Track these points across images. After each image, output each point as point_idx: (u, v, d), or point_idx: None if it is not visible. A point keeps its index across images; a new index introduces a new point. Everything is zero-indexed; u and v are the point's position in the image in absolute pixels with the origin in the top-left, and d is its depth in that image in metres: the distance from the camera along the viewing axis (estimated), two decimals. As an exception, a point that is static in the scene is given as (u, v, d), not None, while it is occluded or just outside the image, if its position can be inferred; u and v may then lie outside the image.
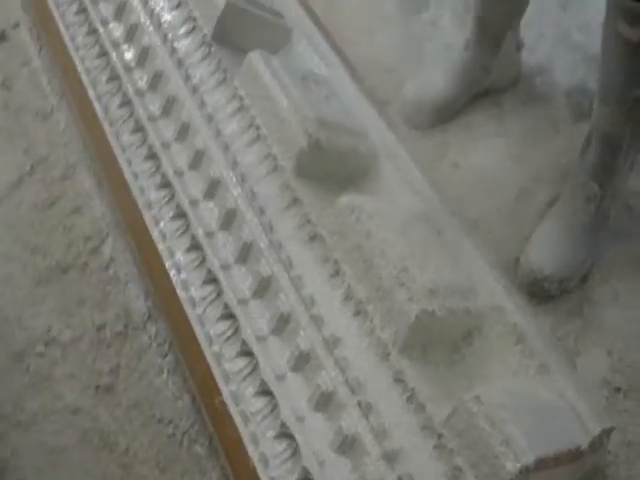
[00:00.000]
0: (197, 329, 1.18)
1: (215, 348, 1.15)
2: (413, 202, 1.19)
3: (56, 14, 1.54)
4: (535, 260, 1.43)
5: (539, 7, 1.80)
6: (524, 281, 1.44)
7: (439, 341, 1.05)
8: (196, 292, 1.20)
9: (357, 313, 1.07)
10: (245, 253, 1.19)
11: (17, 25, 1.70)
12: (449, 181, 1.53)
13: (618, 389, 1.37)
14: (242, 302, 1.16)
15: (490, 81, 1.69)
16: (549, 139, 1.69)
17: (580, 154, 1.48)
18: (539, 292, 1.43)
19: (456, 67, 1.67)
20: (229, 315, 1.16)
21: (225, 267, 1.19)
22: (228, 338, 1.15)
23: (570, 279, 1.44)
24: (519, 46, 1.71)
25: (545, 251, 1.44)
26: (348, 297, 1.08)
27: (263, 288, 1.16)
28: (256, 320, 1.14)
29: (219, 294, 1.18)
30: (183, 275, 1.22)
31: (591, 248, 1.46)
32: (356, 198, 1.11)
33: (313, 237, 1.14)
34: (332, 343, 1.06)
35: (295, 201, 1.17)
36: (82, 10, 1.51)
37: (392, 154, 1.28)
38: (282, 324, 1.12)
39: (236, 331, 1.15)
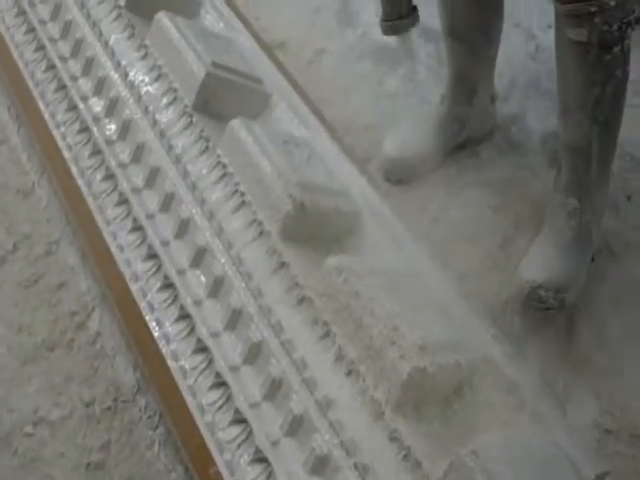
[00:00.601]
0: (188, 399, 1.20)
1: (208, 418, 1.17)
2: (399, 259, 1.24)
3: (35, 92, 1.60)
4: (527, 273, 1.49)
5: (509, 57, 1.90)
6: (520, 297, 1.49)
7: (431, 397, 1.08)
8: (186, 362, 1.23)
9: (349, 373, 1.10)
10: (234, 319, 1.22)
11: (-6, 105, 1.76)
12: (432, 235, 1.59)
13: (609, 431, 1.40)
14: (233, 369, 1.19)
15: (467, 133, 1.78)
16: (528, 185, 1.76)
17: (555, 176, 1.56)
18: (538, 304, 1.48)
19: (433, 122, 1.75)
20: (221, 383, 1.19)
21: (215, 335, 1.23)
22: (220, 407, 1.18)
23: (565, 288, 1.49)
24: (493, 98, 1.80)
25: (536, 265, 1.50)
26: (339, 358, 1.11)
27: (254, 354, 1.19)
28: (248, 386, 1.17)
29: (210, 363, 1.21)
30: (173, 345, 1.25)
31: (580, 262, 1.52)
32: (343, 258, 1.16)
33: (302, 300, 1.18)
34: (325, 405, 1.09)
35: (282, 265, 1.21)
36: (61, 87, 1.57)
37: (375, 212, 1.33)
38: (274, 389, 1.15)
39: (228, 399, 1.18)
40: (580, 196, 1.51)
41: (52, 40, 1.64)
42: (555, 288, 1.47)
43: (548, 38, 1.88)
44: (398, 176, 1.75)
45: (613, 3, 1.29)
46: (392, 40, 1.95)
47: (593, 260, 1.59)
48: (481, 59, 1.70)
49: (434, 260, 1.27)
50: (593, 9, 1.29)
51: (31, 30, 1.67)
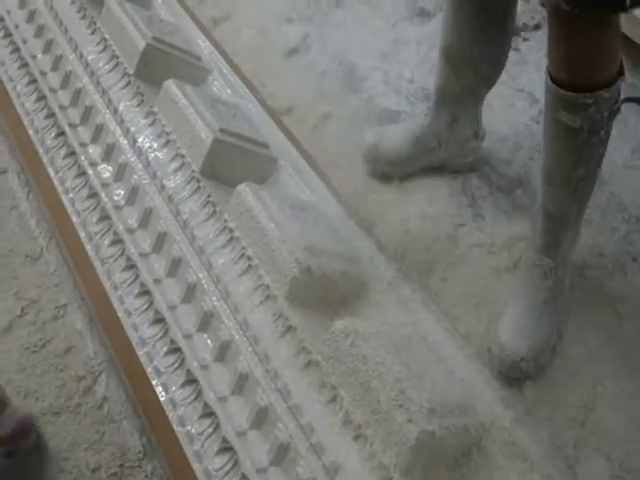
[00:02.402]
0: (195, 465, 1.21)
1: (214, 484, 1.18)
2: (406, 321, 1.25)
3: (45, 159, 1.64)
4: (507, 344, 1.51)
5: (513, 121, 1.95)
6: (501, 368, 1.51)
7: (440, 460, 1.08)
8: (193, 427, 1.23)
9: (357, 437, 1.11)
10: (241, 384, 1.23)
11: (5, 171, 1.79)
12: (440, 295, 1.61)
13: (620, 495, 1.41)
14: (240, 434, 1.19)
15: (444, 156, 1.86)
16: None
17: (532, 235, 1.60)
18: (517, 374, 1.50)
19: (414, 130, 1.85)
20: (227, 448, 1.19)
21: (222, 399, 1.23)
22: (227, 472, 1.18)
23: (543, 353, 1.52)
24: (478, 135, 1.87)
25: (515, 333, 1.52)
26: (347, 422, 1.12)
27: (261, 418, 1.19)
28: (255, 452, 1.17)
29: (216, 427, 1.22)
30: (179, 411, 1.26)
31: (555, 318, 1.56)
32: (350, 322, 1.17)
33: (308, 363, 1.19)
34: (333, 470, 1.09)
35: (289, 329, 1.22)
36: (71, 154, 1.61)
37: (382, 275, 1.35)
38: (282, 454, 1.15)
39: (235, 464, 1.18)
40: (555, 256, 1.56)
41: (62, 107, 1.68)
42: (534, 357, 1.50)
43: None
44: (374, 168, 1.87)
45: (607, 95, 1.33)
46: (396, 104, 2.01)
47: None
48: (464, 85, 1.75)
49: (441, 321, 1.28)
50: (589, 101, 1.33)
51: (41, 98, 1.71)
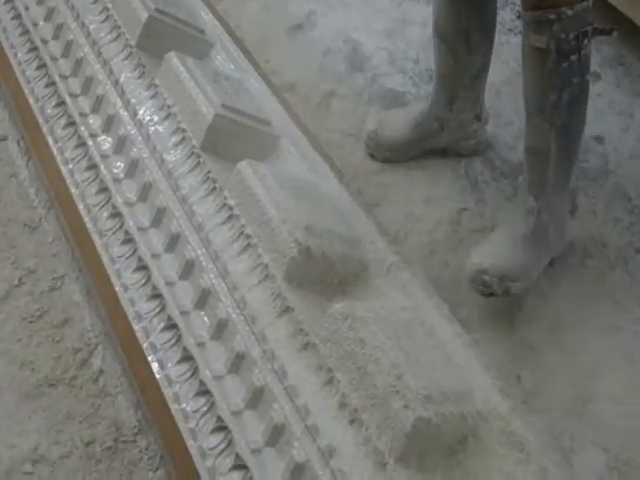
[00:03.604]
0: (189, 443, 1.18)
1: (208, 462, 1.15)
2: (405, 306, 1.22)
3: (45, 128, 1.59)
4: (476, 258, 1.57)
5: (519, 106, 1.89)
6: (467, 277, 1.58)
7: (435, 447, 1.05)
8: (188, 405, 1.21)
9: (352, 421, 1.08)
10: (238, 363, 1.20)
11: (5, 138, 1.75)
12: (440, 279, 1.58)
13: (615, 486, 1.39)
14: (235, 414, 1.17)
15: (446, 138, 1.85)
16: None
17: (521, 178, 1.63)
18: (482, 287, 1.56)
19: (415, 114, 1.84)
20: (222, 427, 1.17)
21: (217, 378, 1.21)
22: (221, 451, 1.15)
23: (512, 279, 1.55)
24: (480, 117, 1.85)
25: (485, 252, 1.58)
26: (343, 405, 1.09)
27: (256, 398, 1.17)
28: (250, 432, 1.15)
29: (211, 406, 1.19)
30: (175, 388, 1.23)
31: (532, 258, 1.58)
32: (348, 305, 1.13)
33: (306, 345, 1.16)
34: (328, 453, 1.07)
35: (287, 309, 1.19)
36: (71, 124, 1.56)
37: (383, 258, 1.31)
38: (276, 435, 1.13)
39: (229, 444, 1.15)
40: (537, 196, 1.57)
41: (62, 77, 1.64)
42: (500, 275, 1.54)
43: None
44: (374, 152, 1.86)
45: (570, 12, 1.38)
46: (400, 85, 1.96)
47: (551, 265, 1.63)
48: (462, 65, 1.74)
49: (441, 307, 1.25)
50: (552, 17, 1.38)
51: (42, 66, 1.67)
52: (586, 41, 1.42)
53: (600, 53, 2.15)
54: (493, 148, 1.90)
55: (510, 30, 2.21)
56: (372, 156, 1.87)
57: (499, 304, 1.62)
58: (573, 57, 1.42)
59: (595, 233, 1.73)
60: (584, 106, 1.51)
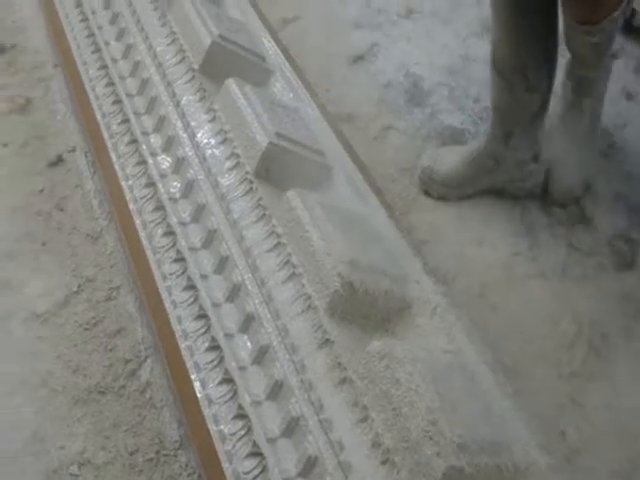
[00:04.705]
0: (225, 465, 1.12)
1: (242, 486, 1.09)
2: (447, 349, 1.13)
3: (109, 143, 1.55)
4: (564, 180, 1.68)
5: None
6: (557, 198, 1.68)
7: (467, 498, 0.97)
8: (226, 427, 1.15)
9: (384, 462, 1.01)
10: (276, 390, 1.14)
11: (74, 150, 1.71)
12: (489, 324, 1.46)
13: None
14: (271, 441, 1.11)
15: (501, 176, 1.70)
16: (590, 286, 1.61)
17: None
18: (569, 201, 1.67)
19: (470, 150, 1.71)
20: (257, 453, 1.11)
21: (256, 403, 1.15)
22: (255, 477, 1.10)
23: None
24: (536, 158, 1.69)
25: (573, 172, 1.66)
26: (376, 444, 1.02)
27: (292, 428, 1.11)
28: (284, 461, 1.09)
29: (248, 430, 1.13)
30: (214, 408, 1.17)
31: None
32: (387, 344, 1.06)
33: (343, 380, 1.09)
34: (359, 491, 1.00)
35: (327, 342, 1.13)
36: (133, 141, 1.52)
37: (428, 298, 1.23)
38: (309, 467, 1.07)
39: (263, 470, 1.10)
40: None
41: (129, 95, 1.60)
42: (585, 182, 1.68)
43: (623, 137, 1.80)
44: (428, 189, 1.73)
45: (616, 14, 1.45)
46: (459, 123, 1.85)
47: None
48: (519, 102, 1.61)
49: (485, 354, 1.15)
50: (603, 25, 1.46)
51: (111, 84, 1.63)
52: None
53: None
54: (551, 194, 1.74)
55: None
56: (426, 192, 1.73)
57: (548, 353, 1.49)
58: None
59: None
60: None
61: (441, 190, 1.71)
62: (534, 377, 1.43)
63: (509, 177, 1.70)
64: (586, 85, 1.64)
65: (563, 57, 1.62)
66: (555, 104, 1.67)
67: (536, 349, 1.48)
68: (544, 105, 1.62)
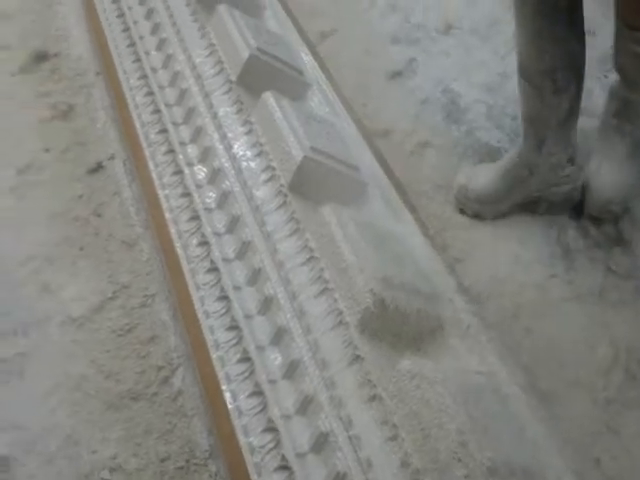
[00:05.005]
0: (253, 477, 1.11)
1: (270, 499, 1.08)
2: (479, 370, 1.11)
3: (147, 152, 1.55)
4: (602, 193, 1.62)
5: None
6: (595, 212, 1.63)
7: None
8: (255, 439, 1.14)
9: (413, 483, 0.99)
10: (305, 405, 1.13)
11: (113, 157, 1.71)
12: (522, 346, 1.41)
13: None
14: (299, 456, 1.09)
15: (537, 185, 1.64)
16: (628, 310, 1.55)
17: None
18: (609, 216, 1.63)
19: (504, 163, 1.67)
20: (286, 467, 1.09)
21: (285, 417, 1.13)
22: (283, 491, 1.08)
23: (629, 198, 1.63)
24: (573, 160, 1.64)
25: (608, 182, 1.61)
26: (405, 464, 1.00)
27: (321, 444, 1.09)
28: (312, 476, 1.07)
29: (277, 444, 1.12)
30: (244, 420, 1.16)
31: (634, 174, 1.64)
32: (417, 362, 1.05)
33: (373, 397, 1.08)
34: (386, 510, 0.98)
35: (357, 358, 1.11)
36: (170, 151, 1.52)
37: (461, 318, 1.21)
38: (338, 483, 1.04)
39: (291, 485, 1.08)
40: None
41: (168, 105, 1.59)
42: (623, 200, 1.62)
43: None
44: (464, 206, 1.68)
45: None
46: (496, 140, 1.81)
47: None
48: (548, 106, 1.56)
49: (518, 376, 1.12)
50: None
51: (150, 93, 1.63)
52: None
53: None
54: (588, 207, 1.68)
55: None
56: (462, 211, 1.69)
57: (583, 378, 1.44)
58: None
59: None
60: None
61: (475, 207, 1.67)
62: (568, 402, 1.39)
63: (545, 183, 1.64)
64: (630, 108, 1.59)
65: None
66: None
67: (571, 374, 1.43)
68: (573, 108, 1.58)
